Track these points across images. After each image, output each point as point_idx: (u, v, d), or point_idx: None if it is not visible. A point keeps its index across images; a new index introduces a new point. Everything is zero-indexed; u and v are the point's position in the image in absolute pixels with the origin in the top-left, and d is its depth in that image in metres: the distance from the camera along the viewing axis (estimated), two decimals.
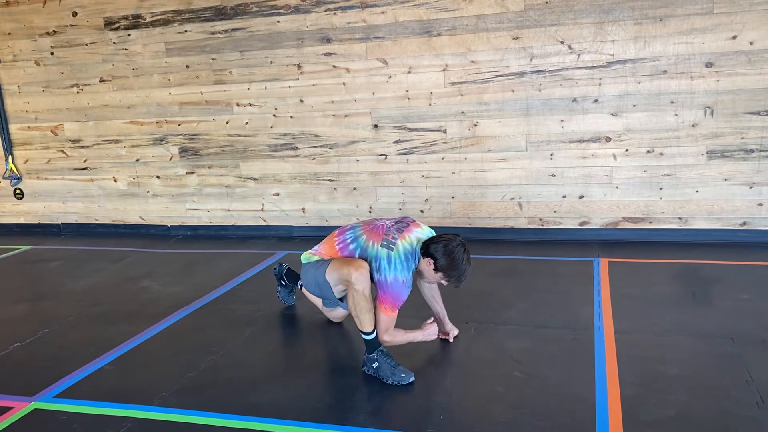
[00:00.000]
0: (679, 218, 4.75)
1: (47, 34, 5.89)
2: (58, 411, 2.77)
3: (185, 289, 4.31)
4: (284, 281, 3.83)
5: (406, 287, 2.92)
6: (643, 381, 2.74)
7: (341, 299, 3.26)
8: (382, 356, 2.88)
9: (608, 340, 3.15)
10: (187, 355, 3.27)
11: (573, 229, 4.97)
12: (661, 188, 4.72)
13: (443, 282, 2.96)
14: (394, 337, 2.98)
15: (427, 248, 2.89)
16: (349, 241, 3.09)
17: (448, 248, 2.85)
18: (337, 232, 3.21)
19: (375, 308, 2.92)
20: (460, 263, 2.86)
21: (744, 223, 4.64)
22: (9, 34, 6.00)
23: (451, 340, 3.24)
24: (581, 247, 4.74)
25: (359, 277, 2.86)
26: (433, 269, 2.89)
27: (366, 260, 2.97)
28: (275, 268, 3.88)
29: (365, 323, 2.90)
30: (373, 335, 2.91)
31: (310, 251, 3.29)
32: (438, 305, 3.28)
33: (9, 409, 2.80)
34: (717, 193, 4.63)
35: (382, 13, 4.98)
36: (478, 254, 4.71)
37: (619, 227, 4.87)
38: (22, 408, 2.80)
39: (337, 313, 3.49)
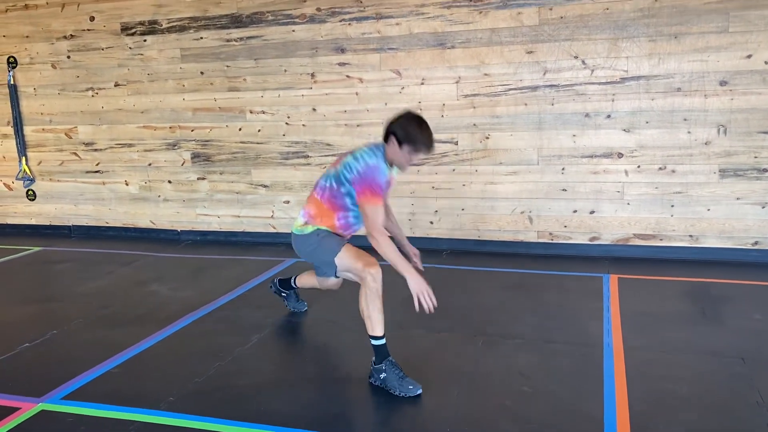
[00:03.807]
0: (691, 236, 4.72)
1: (64, 37, 5.95)
2: (65, 413, 2.77)
3: (194, 294, 4.32)
4: (284, 292, 3.84)
5: (379, 171, 2.94)
6: (652, 399, 2.71)
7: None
8: (390, 366, 2.87)
9: (617, 356, 3.13)
10: (194, 360, 3.27)
11: (583, 245, 4.95)
12: (672, 205, 4.70)
13: (413, 156, 2.95)
14: (384, 240, 2.84)
15: (386, 131, 2.97)
16: (322, 183, 3.13)
17: (402, 121, 2.93)
18: (315, 186, 3.21)
19: (360, 206, 2.92)
20: (417, 130, 2.90)
21: (756, 243, 4.61)
22: (27, 37, 6.07)
23: (417, 260, 3.27)
24: (591, 263, 4.72)
25: (376, 275, 2.87)
26: (398, 146, 2.92)
27: (338, 179, 3.02)
28: (270, 287, 3.92)
29: (375, 325, 2.88)
30: (382, 341, 2.89)
31: (299, 221, 3.19)
32: (396, 228, 3.39)
33: (17, 409, 2.81)
34: (729, 212, 4.61)
35: (397, 24, 5.00)
36: (487, 267, 4.72)
37: (630, 243, 4.85)
38: (29, 409, 2.80)
39: (329, 283, 3.46)
